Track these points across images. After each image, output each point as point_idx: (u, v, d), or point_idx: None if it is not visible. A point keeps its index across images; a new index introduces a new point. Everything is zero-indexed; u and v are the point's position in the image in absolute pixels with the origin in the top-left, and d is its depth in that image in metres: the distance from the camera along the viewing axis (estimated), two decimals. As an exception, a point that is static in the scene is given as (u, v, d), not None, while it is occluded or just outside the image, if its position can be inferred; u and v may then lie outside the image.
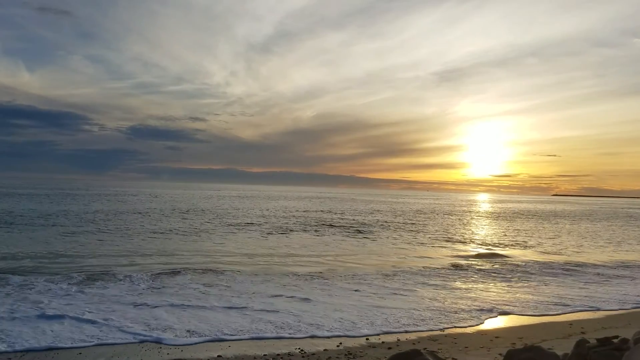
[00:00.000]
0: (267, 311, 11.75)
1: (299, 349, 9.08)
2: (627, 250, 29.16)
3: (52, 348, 8.80)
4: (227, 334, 9.84)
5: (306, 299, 13.15)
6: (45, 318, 10.54)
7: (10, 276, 14.56)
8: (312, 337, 9.95)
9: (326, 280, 16.03)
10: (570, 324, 11.63)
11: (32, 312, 10.91)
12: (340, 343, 9.52)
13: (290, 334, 10.10)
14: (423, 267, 19.64)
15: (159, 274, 16.03)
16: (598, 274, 19.52)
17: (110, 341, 9.31)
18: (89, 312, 11.17)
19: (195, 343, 9.34)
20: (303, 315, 11.44)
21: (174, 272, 16.40)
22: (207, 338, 9.63)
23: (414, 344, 9.51)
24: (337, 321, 11.11)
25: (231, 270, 17.31)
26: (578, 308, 13.32)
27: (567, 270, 20.18)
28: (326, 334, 10.06)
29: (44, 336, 9.34)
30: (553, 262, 22.29)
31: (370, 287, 15.21)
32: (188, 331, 9.97)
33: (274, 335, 9.94)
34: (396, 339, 9.89)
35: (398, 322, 11.23)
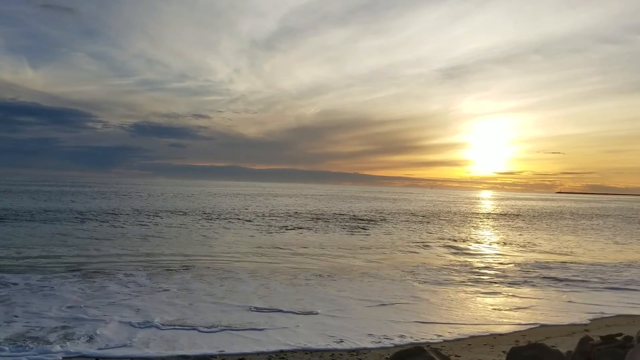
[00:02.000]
0: (258, 329, 11.25)
1: (303, 346, 9.10)
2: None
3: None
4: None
5: (315, 305, 12.54)
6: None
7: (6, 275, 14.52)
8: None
9: (334, 281, 16.03)
10: (574, 321, 11.59)
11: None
12: (342, 339, 9.52)
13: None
14: (430, 266, 19.63)
15: (156, 272, 15.93)
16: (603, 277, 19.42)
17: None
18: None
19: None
20: (308, 326, 10.99)
21: (173, 271, 16.41)
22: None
23: (417, 340, 9.52)
24: (345, 330, 11.08)
25: (235, 269, 17.34)
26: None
27: (581, 272, 20.06)
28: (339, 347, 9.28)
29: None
30: (559, 263, 22.21)
31: (374, 288, 15.20)
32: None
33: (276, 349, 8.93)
34: (399, 335, 9.88)
35: (404, 321, 11.21)
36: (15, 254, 18.20)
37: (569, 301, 13.85)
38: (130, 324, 10.09)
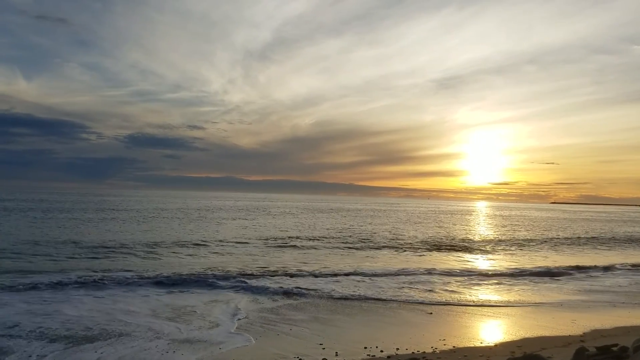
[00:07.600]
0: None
1: (297, 357, 9.01)
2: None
3: None
4: None
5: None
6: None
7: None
8: None
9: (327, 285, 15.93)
10: (570, 332, 11.54)
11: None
12: (337, 353, 9.44)
13: None
14: (424, 280, 19.58)
15: (143, 284, 15.77)
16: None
17: None
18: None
19: None
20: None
21: (162, 283, 16.28)
22: None
23: (412, 352, 9.44)
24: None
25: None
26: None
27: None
28: None
29: None
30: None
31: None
32: None
33: None
34: (395, 348, 9.80)
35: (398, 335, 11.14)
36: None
37: (565, 312, 13.83)
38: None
